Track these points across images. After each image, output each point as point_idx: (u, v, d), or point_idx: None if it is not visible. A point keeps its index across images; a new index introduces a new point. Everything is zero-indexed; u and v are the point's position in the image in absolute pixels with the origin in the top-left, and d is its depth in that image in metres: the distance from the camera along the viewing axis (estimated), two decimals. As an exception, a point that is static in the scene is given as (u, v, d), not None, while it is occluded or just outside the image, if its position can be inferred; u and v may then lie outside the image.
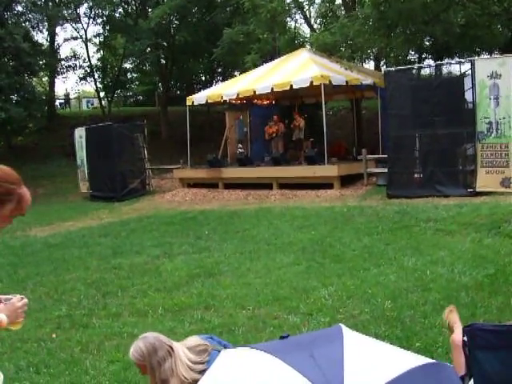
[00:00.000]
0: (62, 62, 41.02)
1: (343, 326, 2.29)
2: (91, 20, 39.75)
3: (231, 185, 20.71)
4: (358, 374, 1.95)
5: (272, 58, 24.79)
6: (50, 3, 36.63)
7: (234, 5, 30.08)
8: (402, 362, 2.07)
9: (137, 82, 47.14)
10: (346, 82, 19.53)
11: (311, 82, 18.70)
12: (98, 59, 43.31)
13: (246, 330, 6.84)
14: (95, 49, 43.57)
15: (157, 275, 10.09)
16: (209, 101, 22.99)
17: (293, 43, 28.05)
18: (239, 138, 24.30)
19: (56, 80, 42.48)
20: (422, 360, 2.16)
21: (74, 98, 49.78)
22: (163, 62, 37.20)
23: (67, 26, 40.66)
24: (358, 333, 2.31)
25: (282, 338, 2.45)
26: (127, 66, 43.25)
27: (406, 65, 21.96)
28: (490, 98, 14.03)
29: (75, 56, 42.11)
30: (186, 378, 3.53)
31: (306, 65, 20.42)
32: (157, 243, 12.94)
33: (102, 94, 41.35)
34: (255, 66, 23.90)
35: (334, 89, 20.94)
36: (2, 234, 16.39)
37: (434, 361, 2.24)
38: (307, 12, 33.01)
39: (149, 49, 34.76)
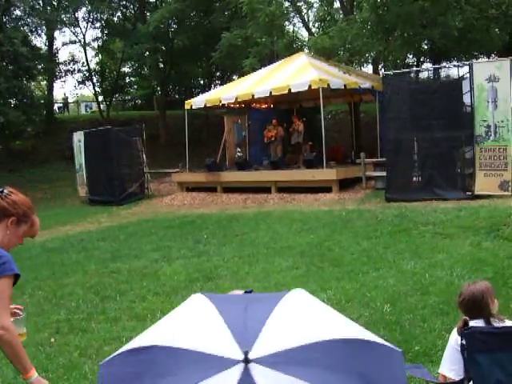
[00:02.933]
0: (61, 66, 41.20)
1: (303, 291, 2.30)
2: (90, 24, 39.95)
3: (230, 189, 20.70)
4: (277, 329, 1.95)
5: (270, 62, 24.80)
6: (49, 7, 36.72)
7: (232, 9, 30.11)
8: (336, 331, 2.06)
9: (135, 86, 47.21)
10: (345, 85, 19.55)
11: (309, 86, 18.70)
12: (97, 63, 43.46)
13: (245, 334, 6.82)
14: (94, 53, 43.76)
15: (155, 279, 10.09)
16: (207, 105, 22.98)
17: (291, 47, 28.01)
18: (238, 142, 24.32)
19: (54, 84, 42.58)
20: (365, 335, 2.12)
21: (73, 102, 49.81)
22: (162, 65, 37.21)
23: (66, 30, 40.88)
24: (311, 297, 2.30)
25: (245, 292, 2.56)
26: (126, 70, 43.38)
27: (404, 68, 22.01)
28: (488, 102, 14.03)
29: (74, 60, 42.30)
30: None
31: (305, 68, 20.43)
32: (155, 247, 12.94)
33: (100, 98, 41.38)
34: (253, 69, 23.89)
35: (332, 92, 20.95)
36: None
37: (383, 342, 2.13)
38: (305, 16, 33.13)
39: (147, 53, 34.78)
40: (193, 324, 2.10)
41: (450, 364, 3.78)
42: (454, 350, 3.78)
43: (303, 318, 2.08)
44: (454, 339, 3.78)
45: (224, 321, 1.98)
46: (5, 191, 3.34)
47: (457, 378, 3.70)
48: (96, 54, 43.61)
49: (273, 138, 22.02)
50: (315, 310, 2.21)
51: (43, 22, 35.44)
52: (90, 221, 18.79)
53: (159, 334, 2.17)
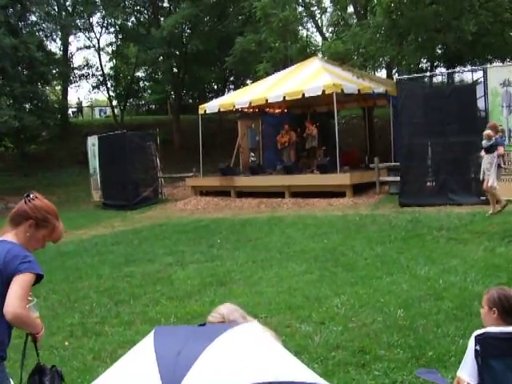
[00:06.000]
0: (75, 71, 41.41)
1: (256, 325, 2.26)
2: (104, 29, 40.18)
3: (243, 193, 20.74)
4: (203, 373, 1.94)
5: (284, 67, 24.82)
6: (64, 13, 36.98)
7: (245, 14, 30.19)
8: (270, 372, 2.00)
9: (149, 91, 47.35)
10: (358, 90, 19.53)
11: (323, 91, 18.70)
12: (111, 68, 43.62)
13: (258, 338, 6.81)
14: (108, 58, 43.95)
15: (169, 283, 10.10)
16: (221, 109, 23.05)
17: (305, 52, 28.04)
18: (251, 147, 24.34)
19: (69, 89, 42.78)
20: (302, 377, 2.06)
21: (87, 107, 50.07)
22: (175, 70, 37.35)
23: (80, 35, 41.20)
24: (259, 333, 2.24)
25: (199, 325, 2.50)
26: (139, 74, 43.58)
27: (417, 73, 21.90)
28: (503, 106, 13.99)
29: (88, 65, 42.54)
30: None
31: (318, 73, 20.43)
32: (169, 251, 12.96)
33: (114, 103, 41.60)
34: (267, 74, 23.94)
35: (346, 97, 20.93)
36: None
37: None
38: (319, 21, 33.13)
39: (161, 57, 34.94)
40: (129, 365, 2.11)
41: (473, 369, 3.72)
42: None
43: (237, 357, 2.00)
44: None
45: (156, 360, 1.97)
46: (30, 196, 3.55)
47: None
48: (110, 59, 43.83)
49: (286, 144, 22.05)
50: (255, 349, 2.09)
51: (58, 27, 35.70)
52: (103, 225, 18.87)
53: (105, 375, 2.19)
